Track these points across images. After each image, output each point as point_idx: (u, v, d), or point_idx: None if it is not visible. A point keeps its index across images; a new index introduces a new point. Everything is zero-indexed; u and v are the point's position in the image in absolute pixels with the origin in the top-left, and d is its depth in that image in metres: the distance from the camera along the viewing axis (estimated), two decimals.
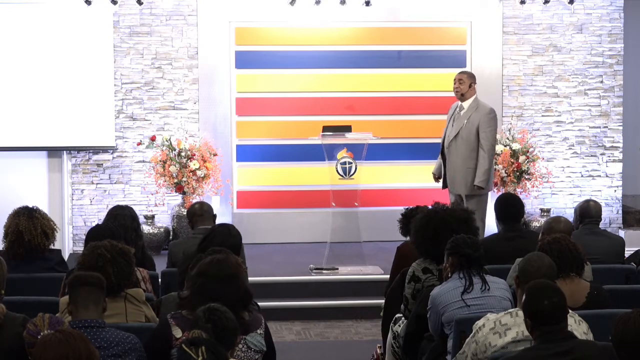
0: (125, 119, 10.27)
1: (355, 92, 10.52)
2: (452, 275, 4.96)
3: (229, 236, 5.43)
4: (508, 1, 10.48)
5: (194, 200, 9.64)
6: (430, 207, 5.90)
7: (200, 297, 4.16)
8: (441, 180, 8.65)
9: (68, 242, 10.16)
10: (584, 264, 5.10)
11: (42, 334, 3.70)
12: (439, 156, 8.67)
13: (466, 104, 8.46)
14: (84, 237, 5.88)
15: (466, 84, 8.43)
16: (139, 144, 10.17)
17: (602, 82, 10.73)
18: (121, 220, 6.12)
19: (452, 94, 10.59)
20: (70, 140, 10.11)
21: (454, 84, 8.48)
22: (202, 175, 9.83)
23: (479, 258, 4.95)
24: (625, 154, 10.86)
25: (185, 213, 9.74)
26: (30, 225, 5.83)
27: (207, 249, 4.78)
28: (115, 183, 10.29)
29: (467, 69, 10.54)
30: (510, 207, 6.55)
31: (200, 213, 6.50)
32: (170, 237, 9.81)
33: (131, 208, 6.39)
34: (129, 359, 3.99)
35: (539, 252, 4.75)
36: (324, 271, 8.63)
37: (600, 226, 6.77)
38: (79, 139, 10.12)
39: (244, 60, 10.40)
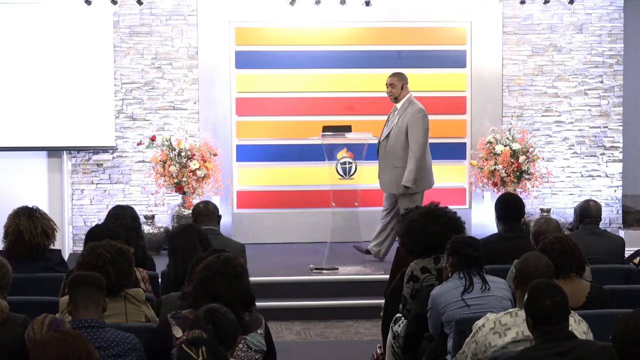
0: (125, 119, 10.27)
1: (355, 92, 10.52)
2: (452, 275, 4.97)
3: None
4: (508, 1, 10.48)
5: (194, 200, 9.65)
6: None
7: (201, 291, 4.18)
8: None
9: (68, 242, 10.16)
10: (584, 265, 5.11)
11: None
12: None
13: (399, 105, 8.76)
14: (84, 237, 5.88)
15: (398, 87, 8.70)
16: (139, 144, 10.17)
17: (602, 82, 10.73)
18: (122, 220, 6.12)
19: (453, 94, 10.68)
20: (70, 140, 10.11)
21: (387, 88, 8.67)
22: (202, 175, 9.83)
23: (479, 258, 4.96)
24: (625, 154, 10.86)
25: (185, 213, 9.78)
26: (31, 225, 5.83)
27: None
28: (115, 183, 10.29)
29: (467, 69, 10.56)
30: (510, 207, 6.55)
31: (205, 213, 6.50)
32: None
33: (132, 208, 6.38)
34: (129, 359, 3.99)
35: (536, 252, 4.75)
36: (324, 271, 8.63)
37: (600, 226, 6.77)
38: (79, 139, 10.12)
39: (244, 60, 10.40)
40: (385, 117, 10.47)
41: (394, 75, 8.82)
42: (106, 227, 5.74)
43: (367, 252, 8.92)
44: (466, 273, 4.90)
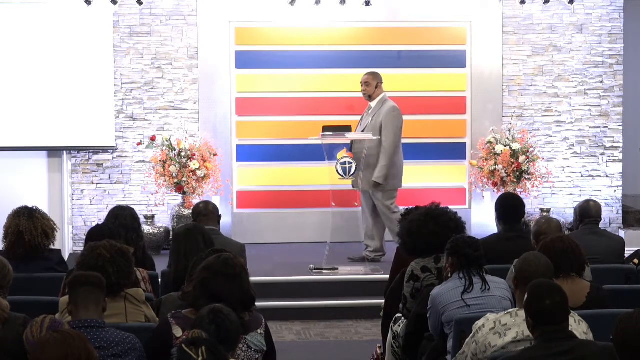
0: (125, 119, 10.27)
1: (355, 92, 10.47)
2: (452, 276, 4.97)
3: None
4: (508, 1, 10.48)
5: (194, 200, 9.64)
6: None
7: (201, 291, 4.18)
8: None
9: (68, 242, 10.16)
10: (584, 265, 5.10)
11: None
12: None
13: (373, 104, 8.87)
14: (84, 237, 5.88)
15: (372, 86, 8.80)
16: (139, 144, 10.17)
17: (602, 82, 10.73)
18: (122, 220, 6.12)
19: (453, 94, 10.68)
20: (70, 140, 10.11)
21: (361, 86, 8.77)
22: (202, 175, 9.83)
23: (479, 258, 4.95)
24: (625, 154, 10.86)
25: (185, 213, 9.78)
26: (31, 225, 5.83)
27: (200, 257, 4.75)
28: (115, 183, 10.29)
29: (467, 69, 10.56)
30: (511, 207, 6.55)
31: (205, 213, 6.50)
32: (170, 237, 9.78)
33: (132, 209, 6.38)
34: (129, 359, 3.99)
35: (535, 252, 4.75)
36: (324, 271, 8.62)
37: (600, 226, 6.77)
38: (79, 139, 10.12)
39: (244, 60, 10.40)
40: None
41: (368, 74, 8.89)
42: (106, 227, 5.74)
43: (364, 259, 8.92)
44: (466, 273, 4.90)
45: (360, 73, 10.43)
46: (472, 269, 4.92)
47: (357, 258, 8.92)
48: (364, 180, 8.77)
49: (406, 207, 6.29)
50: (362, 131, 8.76)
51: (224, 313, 3.84)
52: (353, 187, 8.97)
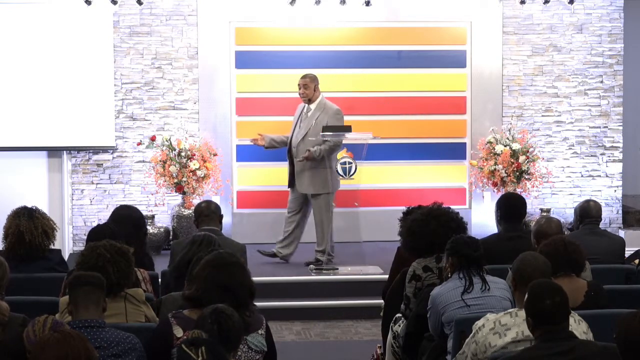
0: (125, 119, 10.27)
1: (355, 92, 10.52)
2: (452, 276, 4.97)
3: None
4: (508, 1, 10.48)
5: (194, 200, 9.65)
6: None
7: (210, 286, 4.17)
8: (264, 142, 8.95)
9: (68, 242, 10.16)
10: (584, 265, 5.10)
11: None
12: (283, 138, 8.94)
13: (313, 106, 8.81)
14: (84, 237, 5.88)
15: (311, 88, 8.79)
16: (139, 144, 10.17)
17: (602, 82, 10.73)
18: (125, 223, 6.07)
19: (454, 94, 10.68)
20: (70, 140, 10.11)
21: (299, 89, 8.82)
22: (202, 175, 9.83)
23: (479, 258, 4.95)
24: (625, 154, 10.86)
25: (185, 213, 9.78)
26: (31, 225, 5.82)
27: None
28: (115, 183, 10.29)
29: (467, 69, 10.56)
30: (514, 207, 6.54)
31: (206, 213, 6.49)
32: (170, 237, 9.81)
33: (138, 211, 6.34)
34: (129, 359, 3.99)
35: (533, 252, 4.76)
36: (324, 271, 8.63)
37: (600, 226, 6.77)
38: (79, 139, 10.11)
39: (244, 60, 10.40)
40: (384, 117, 10.52)
41: (305, 76, 8.87)
42: (107, 227, 5.73)
43: (274, 255, 8.93)
44: (466, 273, 4.90)
45: (360, 73, 10.50)
46: (472, 269, 4.92)
47: (267, 252, 8.91)
48: (309, 183, 8.71)
49: (407, 207, 6.28)
50: (305, 134, 8.69)
51: (227, 313, 3.85)
52: (289, 187, 8.91)
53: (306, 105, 8.84)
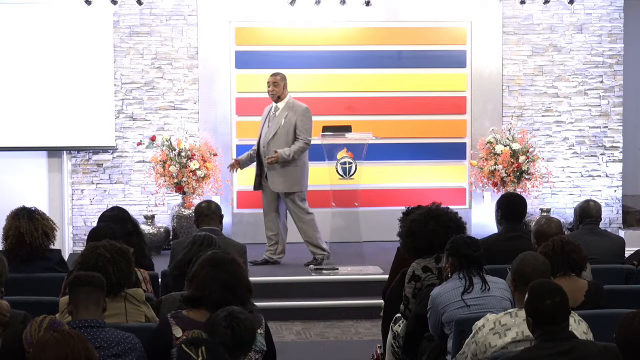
0: (125, 119, 10.27)
1: (355, 92, 10.52)
2: (452, 276, 4.96)
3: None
4: (508, 1, 10.48)
5: (194, 200, 9.65)
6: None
7: (209, 284, 4.16)
8: (236, 173, 9.08)
9: (68, 242, 10.16)
10: (584, 265, 5.11)
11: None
12: (250, 152, 8.96)
13: (281, 105, 8.83)
14: (84, 237, 5.88)
15: (280, 86, 8.81)
16: (139, 144, 10.17)
17: (602, 82, 10.73)
18: (121, 223, 6.07)
19: (454, 94, 10.68)
20: (70, 140, 10.11)
21: (269, 87, 8.83)
22: (202, 175, 9.83)
23: (479, 258, 4.95)
24: (625, 154, 10.86)
25: (185, 213, 9.78)
26: (32, 226, 5.82)
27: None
28: (115, 183, 10.29)
29: (467, 69, 10.56)
30: (513, 207, 6.53)
31: (207, 213, 6.48)
32: (170, 237, 9.81)
33: (125, 211, 6.32)
34: (129, 359, 3.99)
35: (532, 252, 4.75)
36: (324, 271, 8.63)
37: (600, 226, 6.77)
38: (79, 139, 10.12)
39: (244, 60, 10.40)
40: (384, 117, 10.52)
41: (275, 74, 8.89)
42: (107, 227, 5.73)
43: (266, 262, 8.94)
44: (466, 273, 4.90)
45: (360, 73, 10.50)
46: (472, 269, 4.92)
47: (259, 262, 8.89)
48: (281, 182, 8.72)
49: (407, 207, 6.28)
50: (275, 133, 8.69)
51: (240, 317, 3.84)
52: (255, 189, 8.93)
53: (274, 104, 8.86)
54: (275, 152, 8.61)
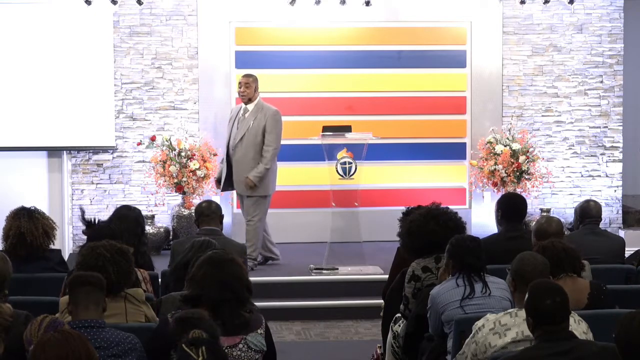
0: (125, 119, 10.27)
1: (355, 92, 10.52)
2: (451, 276, 4.96)
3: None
4: (508, 1, 10.48)
5: (194, 200, 9.65)
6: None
7: (208, 283, 4.16)
8: (221, 185, 8.91)
9: (68, 242, 10.16)
10: (579, 266, 5.09)
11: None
12: (223, 161, 8.93)
13: (250, 106, 8.79)
14: (84, 237, 5.87)
15: (252, 88, 8.78)
16: (139, 144, 10.17)
17: (602, 82, 10.73)
18: (126, 223, 6.06)
19: (454, 94, 10.68)
20: (70, 140, 10.11)
21: (240, 88, 8.82)
22: (202, 175, 9.83)
23: (482, 267, 4.93)
24: (625, 154, 10.86)
25: (185, 213, 9.78)
26: (32, 226, 5.82)
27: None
28: (115, 183, 10.29)
29: (467, 69, 10.56)
30: (514, 207, 6.53)
31: (207, 213, 6.48)
32: (170, 237, 9.81)
33: (138, 211, 6.34)
34: (129, 359, 3.99)
35: (531, 252, 4.74)
36: (324, 271, 8.63)
37: (600, 226, 6.77)
38: (79, 139, 10.12)
39: (244, 60, 10.40)
40: (384, 117, 10.52)
41: (248, 75, 8.87)
42: (108, 227, 5.73)
43: (265, 260, 8.96)
44: (467, 280, 4.87)
45: (360, 73, 10.51)
46: (473, 275, 4.90)
47: (260, 262, 8.90)
48: (242, 184, 8.72)
49: (407, 207, 6.28)
50: (243, 135, 8.67)
51: (195, 318, 3.81)
52: (222, 190, 8.95)
53: (243, 106, 8.83)
54: (247, 178, 8.58)
